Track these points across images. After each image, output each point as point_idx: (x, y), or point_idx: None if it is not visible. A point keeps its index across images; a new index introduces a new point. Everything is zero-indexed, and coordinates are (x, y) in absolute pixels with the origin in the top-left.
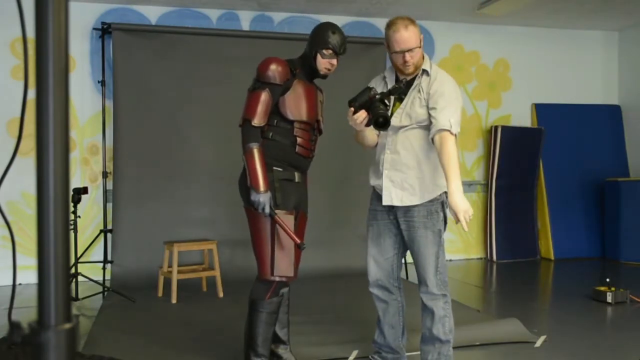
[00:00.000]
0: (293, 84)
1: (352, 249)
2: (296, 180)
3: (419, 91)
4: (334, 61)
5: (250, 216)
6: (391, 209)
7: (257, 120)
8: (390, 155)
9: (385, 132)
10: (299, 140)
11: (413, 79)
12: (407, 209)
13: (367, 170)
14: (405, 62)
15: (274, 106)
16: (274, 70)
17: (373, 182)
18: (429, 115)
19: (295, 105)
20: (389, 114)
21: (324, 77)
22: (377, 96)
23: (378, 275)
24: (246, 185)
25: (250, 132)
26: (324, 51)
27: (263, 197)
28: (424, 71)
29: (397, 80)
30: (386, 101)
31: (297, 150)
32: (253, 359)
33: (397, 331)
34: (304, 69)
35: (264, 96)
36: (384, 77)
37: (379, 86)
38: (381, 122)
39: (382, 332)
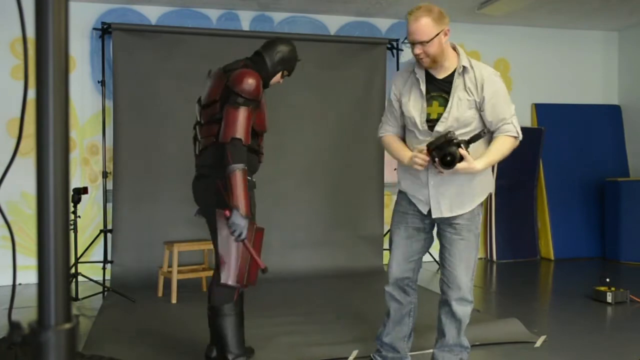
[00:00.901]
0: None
1: (352, 250)
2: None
3: (466, 92)
4: (281, 81)
5: (220, 221)
6: (429, 214)
7: (246, 140)
8: None
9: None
10: (261, 149)
11: (451, 82)
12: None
13: (366, 170)
14: (416, 54)
15: None
16: (259, 87)
17: (409, 190)
18: (480, 118)
19: (262, 117)
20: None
21: (266, 87)
22: (454, 140)
23: (399, 275)
24: (209, 192)
25: (242, 152)
26: (285, 72)
27: (244, 222)
28: (464, 68)
29: (427, 78)
30: (462, 145)
31: (260, 159)
32: (235, 354)
33: (404, 331)
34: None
35: (250, 114)
36: (414, 72)
37: (405, 81)
38: (448, 160)
39: (387, 330)
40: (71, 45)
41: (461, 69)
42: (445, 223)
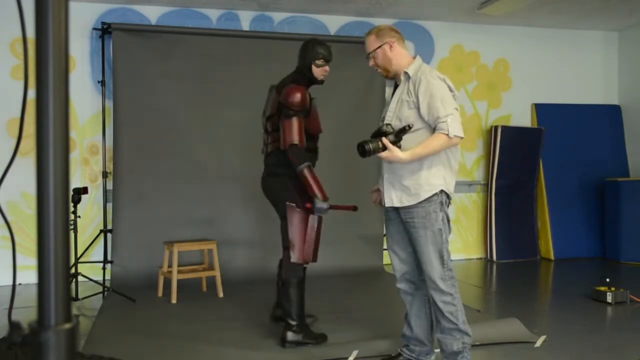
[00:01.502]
0: (312, 105)
1: (353, 249)
2: None
3: (408, 94)
4: (327, 68)
5: (290, 212)
6: (396, 209)
7: (301, 144)
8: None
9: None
10: (317, 148)
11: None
12: (407, 210)
13: (366, 170)
14: (370, 65)
15: None
16: (304, 99)
17: (379, 184)
18: (421, 118)
19: (314, 122)
20: (371, 146)
21: (321, 82)
22: (386, 132)
23: (403, 269)
24: (281, 186)
25: (300, 153)
26: (320, 61)
27: (326, 204)
28: (405, 74)
29: (395, 85)
30: (389, 136)
31: (316, 157)
32: (296, 323)
33: (424, 323)
34: (304, 83)
35: (301, 122)
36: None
37: (389, 89)
38: (359, 151)
39: (409, 325)
40: (71, 45)
41: (404, 75)
42: (405, 219)
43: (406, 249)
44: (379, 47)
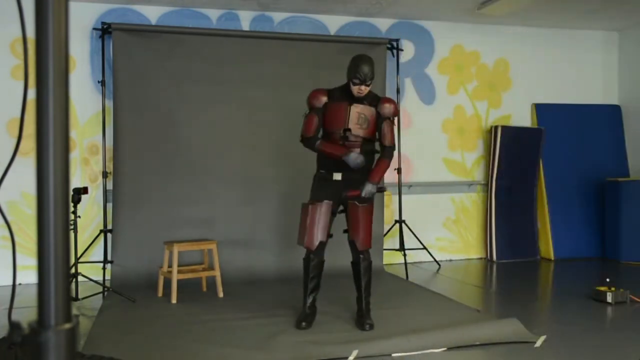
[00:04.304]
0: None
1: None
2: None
3: None
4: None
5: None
6: None
7: (305, 133)
8: None
9: None
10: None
11: None
12: None
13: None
14: None
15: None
16: (310, 97)
17: None
18: None
19: (328, 119)
20: None
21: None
22: None
23: None
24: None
25: (306, 144)
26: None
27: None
28: None
29: None
30: None
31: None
32: None
33: None
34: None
35: (310, 118)
36: None
37: None
38: None
39: None
40: (71, 45)
41: None
42: None
43: None
44: None
